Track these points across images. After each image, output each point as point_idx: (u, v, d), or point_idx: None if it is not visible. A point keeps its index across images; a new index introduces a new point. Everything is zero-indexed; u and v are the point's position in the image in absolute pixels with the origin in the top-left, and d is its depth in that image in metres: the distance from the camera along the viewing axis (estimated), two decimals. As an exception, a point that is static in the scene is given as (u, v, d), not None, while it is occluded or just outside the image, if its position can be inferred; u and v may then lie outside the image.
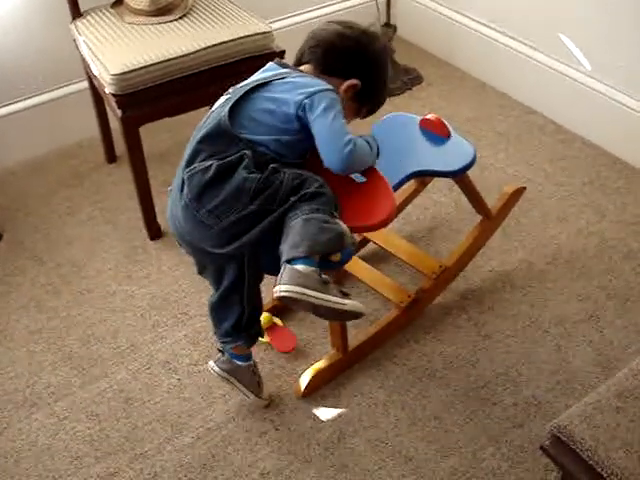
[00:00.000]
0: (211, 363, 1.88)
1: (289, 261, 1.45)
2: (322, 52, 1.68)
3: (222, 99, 1.64)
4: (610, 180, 2.59)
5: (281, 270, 1.45)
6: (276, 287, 1.44)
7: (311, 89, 1.56)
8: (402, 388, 1.97)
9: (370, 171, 1.66)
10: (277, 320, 2.10)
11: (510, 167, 2.66)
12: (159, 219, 2.41)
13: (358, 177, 1.66)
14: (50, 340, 2.14)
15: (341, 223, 1.51)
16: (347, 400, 1.94)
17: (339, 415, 1.91)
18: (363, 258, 2.25)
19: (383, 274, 2.18)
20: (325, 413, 1.92)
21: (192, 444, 1.87)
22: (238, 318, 1.76)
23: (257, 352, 1.99)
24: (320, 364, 1.97)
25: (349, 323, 1.95)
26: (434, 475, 1.78)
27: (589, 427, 1.42)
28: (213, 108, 1.63)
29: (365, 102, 1.75)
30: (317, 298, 1.42)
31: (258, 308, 1.81)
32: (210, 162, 1.52)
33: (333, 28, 1.71)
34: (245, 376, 1.87)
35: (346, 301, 1.46)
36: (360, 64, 1.69)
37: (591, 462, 1.40)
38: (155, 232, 2.44)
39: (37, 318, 2.21)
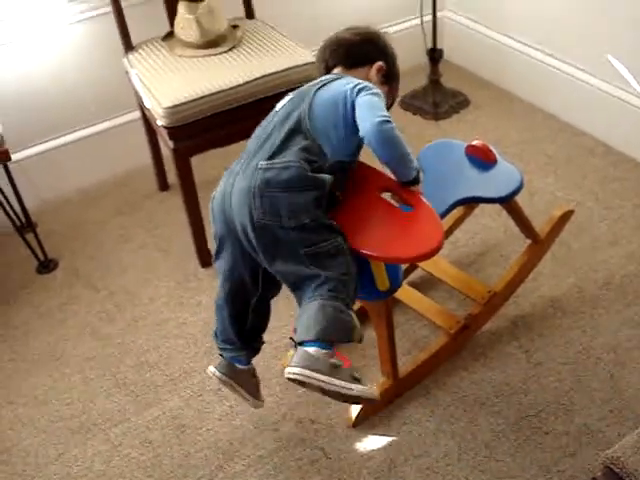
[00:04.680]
0: (211, 368, 1.86)
1: (301, 343, 1.52)
2: (345, 50, 1.84)
3: (284, 103, 1.75)
4: (663, 203, 2.56)
5: (294, 351, 1.53)
6: (286, 368, 1.50)
7: (362, 82, 1.71)
8: (452, 416, 1.96)
9: (417, 200, 1.68)
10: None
11: (559, 190, 2.64)
12: (210, 246, 2.45)
13: (405, 207, 1.68)
14: (105, 367, 2.19)
15: (354, 316, 1.56)
16: (397, 428, 1.95)
17: (389, 444, 1.91)
18: (412, 284, 2.26)
19: (432, 300, 2.18)
20: (375, 441, 1.92)
21: (244, 472, 1.88)
22: (243, 324, 1.79)
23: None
24: (370, 392, 1.97)
25: (399, 351, 1.96)
26: (485, 505, 1.77)
27: (642, 460, 1.39)
28: (277, 109, 1.76)
29: (390, 82, 1.87)
30: (325, 382, 1.48)
31: (263, 320, 1.83)
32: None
33: (341, 32, 1.87)
34: (246, 379, 1.87)
35: (354, 386, 1.49)
36: (377, 47, 1.85)
37: (645, 496, 1.37)
38: (207, 259, 2.47)
39: (92, 345, 2.26)
